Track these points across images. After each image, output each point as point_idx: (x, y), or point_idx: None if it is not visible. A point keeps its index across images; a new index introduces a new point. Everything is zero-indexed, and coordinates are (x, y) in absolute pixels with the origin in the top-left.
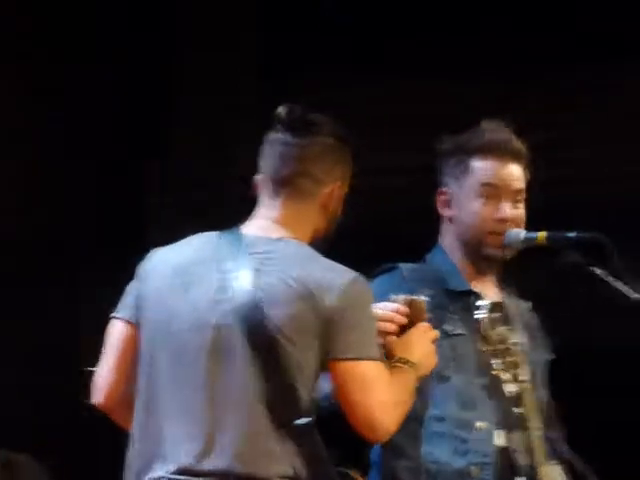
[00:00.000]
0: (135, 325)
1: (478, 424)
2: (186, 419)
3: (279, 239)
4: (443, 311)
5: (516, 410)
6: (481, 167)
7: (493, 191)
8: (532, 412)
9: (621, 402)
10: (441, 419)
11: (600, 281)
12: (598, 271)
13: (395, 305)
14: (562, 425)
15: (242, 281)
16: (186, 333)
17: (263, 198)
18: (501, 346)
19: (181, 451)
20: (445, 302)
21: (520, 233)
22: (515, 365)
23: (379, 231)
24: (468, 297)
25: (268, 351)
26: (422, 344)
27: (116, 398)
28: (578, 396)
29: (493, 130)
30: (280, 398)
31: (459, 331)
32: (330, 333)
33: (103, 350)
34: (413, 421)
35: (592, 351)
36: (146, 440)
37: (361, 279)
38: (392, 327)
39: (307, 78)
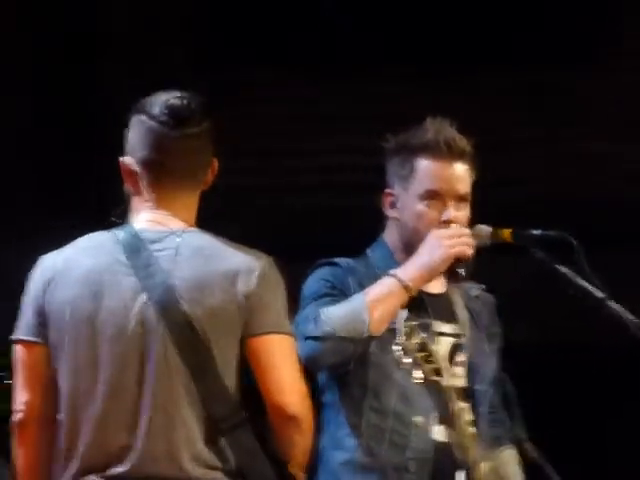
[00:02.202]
0: (42, 343)
1: (417, 419)
2: (117, 427)
3: (182, 231)
4: None
5: (451, 406)
6: (426, 169)
7: (438, 196)
8: (465, 410)
9: (586, 397)
10: (380, 412)
11: (566, 279)
12: (564, 269)
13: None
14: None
15: (157, 281)
16: (108, 343)
17: (145, 188)
18: (420, 354)
19: (113, 458)
20: None
21: (486, 230)
22: (436, 371)
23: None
24: None
25: (195, 352)
26: None
27: (33, 417)
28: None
29: (437, 128)
30: (211, 398)
31: (394, 326)
32: (248, 316)
33: (15, 372)
34: (352, 413)
35: (559, 348)
36: (76, 450)
37: (273, 261)
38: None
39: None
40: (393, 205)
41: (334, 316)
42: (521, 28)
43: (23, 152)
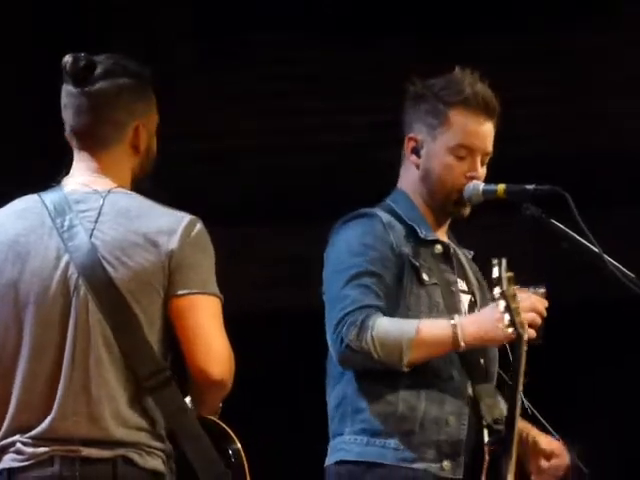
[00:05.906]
0: None
1: (452, 374)
2: (40, 388)
3: (107, 192)
4: (418, 260)
5: (482, 361)
6: (462, 123)
7: (469, 151)
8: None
9: (581, 354)
10: (418, 368)
11: (561, 234)
12: (557, 224)
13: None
14: None
15: (79, 242)
16: (33, 304)
17: (75, 151)
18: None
19: (35, 419)
20: (418, 251)
21: (479, 186)
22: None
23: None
24: (433, 245)
25: (118, 311)
26: None
27: None
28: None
29: (471, 82)
30: (134, 357)
31: (434, 280)
32: (172, 275)
33: None
34: (392, 368)
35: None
36: (7, 411)
37: (198, 220)
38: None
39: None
40: (416, 151)
41: (378, 338)
42: None
43: (23, 152)
